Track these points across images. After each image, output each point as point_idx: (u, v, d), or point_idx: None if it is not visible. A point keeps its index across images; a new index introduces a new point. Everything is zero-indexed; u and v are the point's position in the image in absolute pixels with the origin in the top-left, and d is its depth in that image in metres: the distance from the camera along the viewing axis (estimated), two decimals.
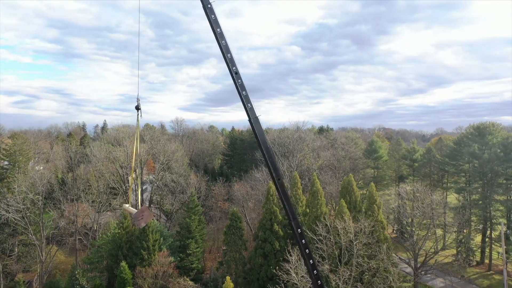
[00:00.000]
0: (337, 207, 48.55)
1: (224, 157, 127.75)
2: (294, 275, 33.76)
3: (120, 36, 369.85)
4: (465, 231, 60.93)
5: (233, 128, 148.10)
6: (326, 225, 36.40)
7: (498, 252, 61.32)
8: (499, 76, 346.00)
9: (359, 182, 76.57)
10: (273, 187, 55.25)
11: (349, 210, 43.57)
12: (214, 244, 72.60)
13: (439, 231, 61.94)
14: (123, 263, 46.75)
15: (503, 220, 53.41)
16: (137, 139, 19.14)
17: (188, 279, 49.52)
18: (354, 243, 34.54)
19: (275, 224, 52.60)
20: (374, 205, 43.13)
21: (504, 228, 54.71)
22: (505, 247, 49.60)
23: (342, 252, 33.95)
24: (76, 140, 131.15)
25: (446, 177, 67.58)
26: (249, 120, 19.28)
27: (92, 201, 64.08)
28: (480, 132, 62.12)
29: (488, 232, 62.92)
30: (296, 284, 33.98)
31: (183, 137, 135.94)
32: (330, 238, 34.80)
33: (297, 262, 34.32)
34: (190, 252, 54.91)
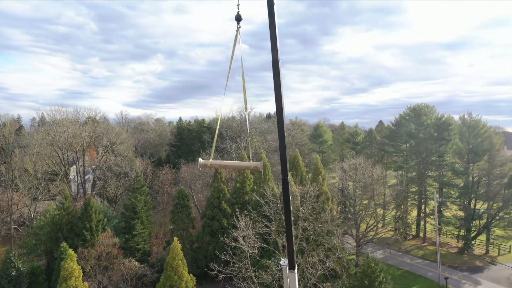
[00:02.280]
0: None
1: (171, 147, 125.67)
2: (242, 241, 34.02)
3: (61, 28, 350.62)
4: (402, 207, 64.63)
5: (180, 119, 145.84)
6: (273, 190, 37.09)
7: (432, 225, 65.70)
8: (432, 78, 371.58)
9: (306, 167, 78.70)
10: None
11: (295, 183, 44.65)
12: (161, 229, 71.23)
13: (379, 210, 65.19)
14: (64, 244, 44.54)
15: (437, 194, 57.36)
16: (232, 57, 15.99)
17: (133, 260, 48.35)
18: (301, 208, 35.47)
19: (223, 202, 52.69)
20: (319, 177, 44.51)
21: (438, 199, 58.78)
22: (437, 219, 53.41)
23: None
24: (10, 128, 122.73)
25: (386, 157, 71.41)
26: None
27: (29, 188, 60.45)
28: (416, 114, 66.28)
29: (423, 207, 67.27)
30: (244, 251, 34.25)
31: (128, 127, 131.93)
32: (277, 203, 35.52)
33: (245, 228, 34.61)
34: (136, 233, 53.51)
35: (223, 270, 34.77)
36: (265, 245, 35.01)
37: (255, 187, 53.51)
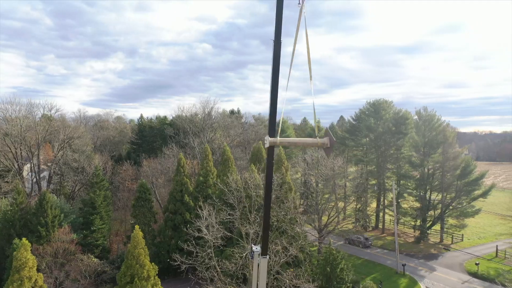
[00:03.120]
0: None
1: (132, 145, 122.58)
2: (205, 231, 33.67)
3: (14, 23, 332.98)
4: (362, 199, 66.40)
5: (141, 116, 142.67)
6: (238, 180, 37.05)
7: (391, 216, 67.92)
8: (390, 80, 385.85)
9: None
10: (183, 159, 54.66)
11: (258, 172, 44.78)
12: (122, 226, 69.37)
13: (340, 203, 66.59)
14: (16, 240, 42.34)
15: (395, 185, 59.40)
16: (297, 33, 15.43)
17: (92, 256, 46.78)
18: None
19: (186, 195, 52.00)
20: (282, 167, 44.87)
21: (396, 190, 60.86)
22: (396, 210, 55.25)
23: (253, 202, 34.79)
24: None
25: (347, 151, 73.05)
26: None
27: None
28: (376, 109, 68.32)
29: (382, 199, 69.47)
30: (208, 240, 33.90)
31: (87, 125, 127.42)
32: (241, 191, 35.48)
33: (209, 217, 34.29)
34: (95, 228, 51.82)
35: (186, 261, 34.31)
36: (229, 234, 34.85)
37: (219, 180, 53.22)
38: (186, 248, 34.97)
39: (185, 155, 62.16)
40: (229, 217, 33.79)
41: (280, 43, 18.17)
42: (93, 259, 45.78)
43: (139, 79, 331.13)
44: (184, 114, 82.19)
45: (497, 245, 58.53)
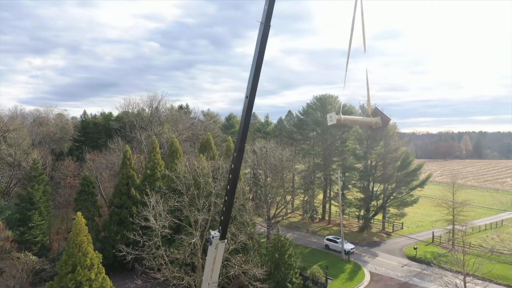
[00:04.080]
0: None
1: (74, 142, 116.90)
2: (153, 220, 32.91)
3: None
4: (309, 191, 68.04)
5: (85, 112, 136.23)
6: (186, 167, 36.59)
7: (336, 206, 70.19)
8: (335, 82, 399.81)
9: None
10: (129, 151, 53.01)
11: (207, 160, 44.48)
12: (63, 224, 65.93)
13: (288, 197, 67.80)
14: None
15: (340, 174, 61.50)
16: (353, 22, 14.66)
17: (30, 254, 44.05)
18: (213, 185, 35.46)
19: (133, 188, 50.46)
20: (231, 157, 44.87)
21: (341, 182, 63.02)
22: (342, 202, 57.28)
23: (201, 189, 34.51)
24: None
25: (295, 145, 74.51)
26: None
27: None
28: (322, 103, 70.36)
29: (328, 191, 71.63)
30: (155, 229, 33.16)
31: (25, 121, 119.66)
32: (189, 178, 35.07)
33: (156, 205, 33.54)
34: (33, 225, 48.84)
35: (132, 251, 33.35)
36: (177, 221, 34.31)
37: (166, 172, 52.25)
38: (132, 238, 33.95)
39: (132, 150, 60.33)
40: (176, 204, 33.25)
41: (269, 26, 18.77)
42: (31, 257, 43.16)
43: (82, 76, 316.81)
44: (131, 110, 79.69)
45: (433, 232, 62.37)
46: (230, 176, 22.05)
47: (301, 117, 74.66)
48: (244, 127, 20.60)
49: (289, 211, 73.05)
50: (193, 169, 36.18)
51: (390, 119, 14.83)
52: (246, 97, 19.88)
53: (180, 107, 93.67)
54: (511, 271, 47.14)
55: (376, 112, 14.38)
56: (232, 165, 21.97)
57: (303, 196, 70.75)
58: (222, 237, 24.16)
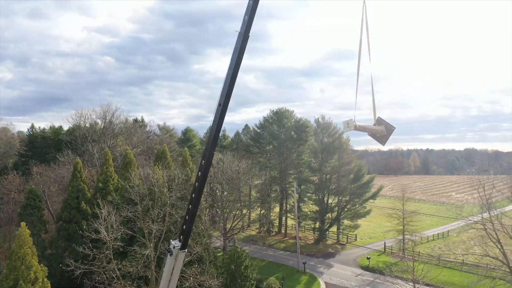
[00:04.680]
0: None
1: (20, 158, 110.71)
2: (104, 232, 31.65)
3: None
4: (266, 205, 68.35)
5: (32, 125, 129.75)
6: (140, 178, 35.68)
7: (292, 219, 70.81)
8: (292, 100, 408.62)
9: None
10: (80, 163, 50.97)
11: (162, 173, 43.65)
12: (5, 241, 61.70)
13: (245, 211, 67.61)
14: None
15: (296, 186, 62.37)
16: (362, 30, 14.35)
17: None
18: (169, 195, 34.81)
19: (83, 202, 48.30)
20: (187, 169, 44.33)
21: (297, 195, 63.82)
22: (298, 214, 57.93)
23: (156, 199, 33.73)
24: None
25: (252, 158, 74.76)
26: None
27: None
28: (278, 117, 71.52)
29: (285, 204, 72.28)
30: (106, 242, 31.90)
31: None
32: (144, 187, 34.21)
33: (108, 217, 32.33)
34: None
35: (81, 266, 31.79)
36: (130, 232, 33.21)
37: (119, 185, 50.57)
38: (81, 251, 32.38)
39: (83, 164, 57.98)
40: (129, 214, 32.25)
41: (248, 36, 18.84)
42: None
43: (31, 90, 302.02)
44: (83, 123, 76.71)
45: (385, 242, 64.37)
46: (196, 184, 21.52)
47: (258, 130, 75.38)
48: (216, 134, 20.33)
49: (245, 224, 72.86)
50: (147, 179, 35.33)
51: (394, 128, 15.55)
52: (220, 105, 19.69)
53: (135, 120, 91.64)
54: (456, 276, 49.48)
55: (380, 121, 15.03)
56: (199, 173, 21.43)
57: (259, 209, 70.97)
58: (183, 246, 23.52)
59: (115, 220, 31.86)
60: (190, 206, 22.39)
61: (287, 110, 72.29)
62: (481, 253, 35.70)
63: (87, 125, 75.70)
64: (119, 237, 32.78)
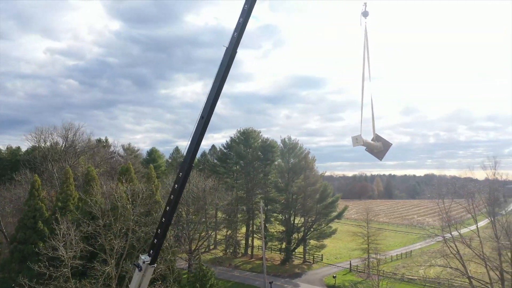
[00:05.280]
0: None
1: None
2: (62, 249, 30.24)
3: None
4: (232, 225, 67.59)
5: None
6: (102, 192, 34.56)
7: (259, 239, 70.18)
8: (258, 126, 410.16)
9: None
10: (39, 181, 48.82)
11: (127, 193, 42.54)
12: None
13: (211, 232, 66.55)
14: None
15: (263, 204, 62.15)
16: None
17: None
18: (132, 211, 33.90)
19: (40, 221, 45.93)
20: (153, 185, 43.46)
21: (263, 216, 63.54)
22: (264, 233, 57.55)
23: (119, 214, 32.69)
24: None
25: (218, 179, 74.21)
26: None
27: None
28: (245, 137, 71.83)
29: (251, 224, 71.73)
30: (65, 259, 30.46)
31: None
32: (106, 201, 33.13)
33: (67, 233, 30.98)
34: None
35: (36, 286, 30.09)
36: (91, 248, 31.83)
37: (80, 204, 48.67)
38: (37, 270, 30.66)
39: (42, 183, 55.54)
40: (90, 229, 31.02)
41: (236, 52, 18.97)
42: None
43: None
44: (43, 143, 73.73)
45: (350, 261, 64.83)
46: (172, 196, 20.91)
47: (225, 151, 75.28)
48: (196, 146, 20.04)
49: (211, 246, 71.56)
50: (110, 193, 34.29)
51: (391, 144, 16.36)
52: (202, 117, 19.60)
53: (99, 140, 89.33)
54: None
55: (378, 137, 15.80)
56: (176, 185, 20.87)
57: (226, 230, 70.04)
58: (153, 261, 22.62)
59: (75, 236, 30.54)
60: (163, 219, 21.57)
61: (254, 130, 72.90)
62: (443, 264, 36.69)
63: (48, 143, 72.99)
64: (78, 255, 31.37)
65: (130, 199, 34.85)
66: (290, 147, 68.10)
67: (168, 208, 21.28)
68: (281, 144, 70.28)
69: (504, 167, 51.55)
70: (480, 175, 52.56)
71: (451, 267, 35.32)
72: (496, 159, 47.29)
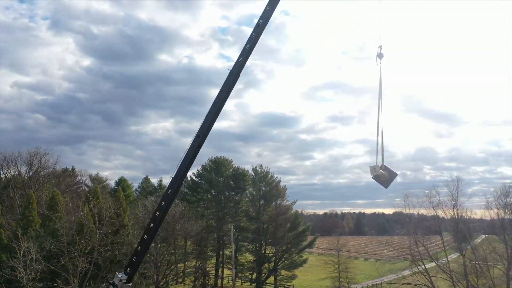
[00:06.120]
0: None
1: None
2: (22, 270, 28.80)
3: None
4: (202, 255, 65.84)
5: None
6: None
7: (229, 269, 68.54)
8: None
9: None
10: None
11: (95, 216, 41.24)
12: None
13: (180, 265, 64.58)
14: None
15: (233, 239, 61.10)
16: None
17: None
18: (99, 231, 32.87)
19: None
20: (121, 209, 42.43)
21: (234, 245, 62.51)
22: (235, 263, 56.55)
23: (84, 233, 31.52)
24: None
25: (188, 208, 72.81)
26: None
27: None
28: (217, 165, 71.52)
29: (221, 254, 70.17)
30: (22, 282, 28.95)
31: None
32: (69, 219, 31.96)
33: (27, 254, 29.60)
34: None
35: None
36: (53, 267, 30.34)
37: (43, 229, 46.61)
38: None
39: (2, 211, 52.97)
40: (51, 247, 29.72)
41: (239, 76, 19.58)
42: None
43: None
44: (5, 169, 70.68)
45: None
46: (157, 213, 20.43)
47: (196, 179, 74.50)
48: (189, 164, 20.06)
49: (180, 279, 69.11)
50: (75, 210, 33.20)
51: (396, 174, 17.68)
52: (198, 136, 19.89)
53: (65, 169, 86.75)
54: None
55: (384, 167, 17.02)
56: (163, 202, 20.49)
57: (195, 261, 68.10)
58: (129, 280, 21.70)
59: (36, 254, 29.15)
60: (146, 236, 20.82)
61: (225, 159, 72.87)
62: None
63: (11, 170, 70.09)
64: (38, 276, 29.84)
65: (96, 218, 33.82)
66: (262, 176, 68.39)
67: (152, 225, 20.62)
68: (253, 173, 70.51)
69: (469, 205, 55.09)
70: (446, 213, 55.89)
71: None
72: (460, 198, 50.64)
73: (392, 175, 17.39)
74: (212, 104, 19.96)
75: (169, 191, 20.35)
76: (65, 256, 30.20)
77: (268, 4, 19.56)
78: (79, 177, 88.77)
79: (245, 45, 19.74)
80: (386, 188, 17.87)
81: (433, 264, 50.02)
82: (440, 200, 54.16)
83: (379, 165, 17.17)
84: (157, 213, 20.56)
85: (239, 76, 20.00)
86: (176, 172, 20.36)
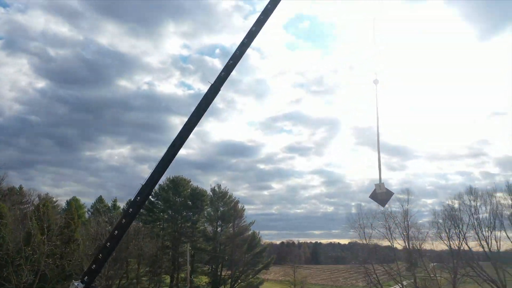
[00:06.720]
0: None
1: None
2: None
3: None
4: (155, 278, 63.72)
5: None
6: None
7: None
8: None
9: None
10: None
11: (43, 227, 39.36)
12: None
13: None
14: None
15: (189, 260, 59.81)
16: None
17: None
18: (47, 242, 31.44)
19: None
20: (72, 222, 40.78)
21: (190, 266, 61.10)
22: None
23: (32, 241, 30.01)
24: None
25: (144, 229, 70.61)
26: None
27: None
28: (174, 184, 70.31)
29: (176, 275, 68.06)
30: None
31: None
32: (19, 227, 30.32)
33: None
34: None
35: None
36: None
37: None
38: None
39: None
40: None
41: (219, 91, 19.97)
42: None
43: None
44: None
45: None
46: (123, 220, 19.86)
47: (152, 199, 72.67)
48: (164, 167, 19.95)
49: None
50: (23, 219, 31.60)
51: (393, 193, 18.68)
52: (173, 145, 19.98)
53: (12, 187, 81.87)
54: None
55: (382, 187, 17.78)
56: (131, 210, 19.96)
57: (148, 283, 65.70)
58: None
59: None
60: (108, 243, 20.02)
61: (183, 178, 71.84)
62: None
63: None
64: None
65: (45, 228, 32.37)
66: (220, 196, 68.08)
67: (117, 232, 19.95)
68: (211, 193, 70.08)
69: (420, 237, 58.44)
70: (399, 243, 59.43)
71: None
72: (411, 229, 54.24)
73: (388, 194, 18.37)
74: (190, 116, 20.61)
75: (138, 198, 19.95)
76: (8, 266, 28.42)
77: (254, 25, 21.05)
78: (27, 197, 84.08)
79: (228, 61, 20.90)
80: (383, 206, 18.74)
81: None
82: (392, 231, 57.47)
83: (383, 184, 18.13)
84: (123, 220, 20.10)
85: (219, 90, 20.86)
86: (147, 180, 20.16)
